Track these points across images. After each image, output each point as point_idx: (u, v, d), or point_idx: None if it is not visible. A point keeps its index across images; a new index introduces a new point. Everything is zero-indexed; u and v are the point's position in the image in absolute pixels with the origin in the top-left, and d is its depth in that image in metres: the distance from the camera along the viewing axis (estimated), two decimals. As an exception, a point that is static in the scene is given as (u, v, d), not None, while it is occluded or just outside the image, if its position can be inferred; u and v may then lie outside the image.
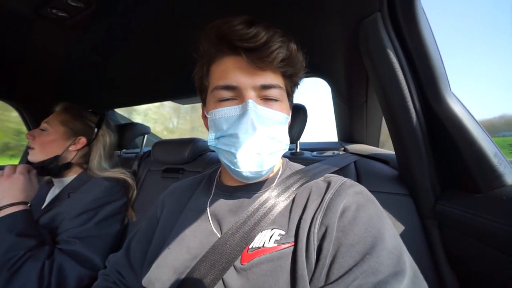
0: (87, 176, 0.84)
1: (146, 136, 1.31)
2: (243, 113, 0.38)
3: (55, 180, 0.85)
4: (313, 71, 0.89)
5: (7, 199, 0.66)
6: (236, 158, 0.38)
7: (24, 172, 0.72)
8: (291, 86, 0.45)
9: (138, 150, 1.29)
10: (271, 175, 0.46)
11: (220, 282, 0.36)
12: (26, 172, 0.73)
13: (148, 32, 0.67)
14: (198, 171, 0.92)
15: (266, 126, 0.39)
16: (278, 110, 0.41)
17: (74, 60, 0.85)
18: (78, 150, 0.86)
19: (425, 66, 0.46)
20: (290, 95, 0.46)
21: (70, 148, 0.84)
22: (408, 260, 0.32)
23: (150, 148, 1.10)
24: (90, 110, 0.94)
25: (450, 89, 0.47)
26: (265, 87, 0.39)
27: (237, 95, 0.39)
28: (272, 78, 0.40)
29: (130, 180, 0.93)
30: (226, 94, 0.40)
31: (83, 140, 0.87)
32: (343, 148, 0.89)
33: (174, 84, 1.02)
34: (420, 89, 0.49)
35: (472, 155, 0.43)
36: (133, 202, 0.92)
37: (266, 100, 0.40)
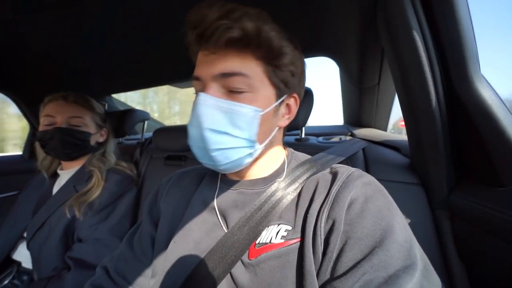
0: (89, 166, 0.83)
1: (146, 122, 1.29)
2: (194, 106, 0.36)
3: (61, 172, 0.85)
4: (320, 50, 0.81)
5: None
6: (192, 149, 0.39)
7: None
8: (275, 72, 0.37)
9: (139, 136, 1.27)
10: (276, 168, 0.44)
11: (228, 275, 0.37)
12: None
13: (142, 15, 0.61)
14: None
15: (216, 120, 0.35)
16: (242, 102, 0.36)
17: (69, 48, 0.80)
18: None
19: (454, 43, 0.40)
20: (280, 82, 0.38)
21: (100, 140, 0.87)
22: (418, 253, 0.31)
23: (151, 134, 1.08)
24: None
25: (480, 71, 0.41)
26: (225, 75, 0.35)
27: (203, 87, 0.37)
28: (236, 65, 0.35)
29: (134, 170, 0.94)
30: (197, 85, 0.39)
31: (105, 131, 0.89)
32: (350, 133, 0.85)
33: (172, 68, 0.97)
34: (444, 69, 0.43)
35: (498, 147, 0.39)
36: (138, 191, 0.93)
37: (230, 92, 0.36)
